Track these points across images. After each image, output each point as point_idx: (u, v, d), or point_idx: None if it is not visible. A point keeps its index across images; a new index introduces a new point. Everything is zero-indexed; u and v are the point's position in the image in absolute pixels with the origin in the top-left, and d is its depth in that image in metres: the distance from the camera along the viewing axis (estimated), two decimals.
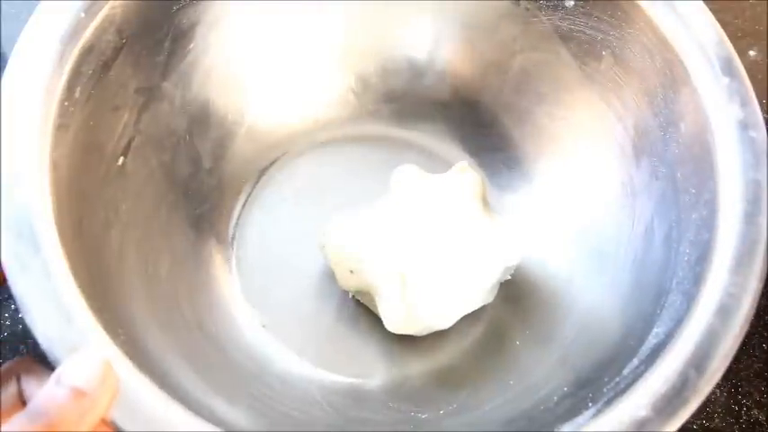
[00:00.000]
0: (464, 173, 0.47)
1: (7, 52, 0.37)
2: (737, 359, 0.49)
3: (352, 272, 0.46)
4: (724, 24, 0.43)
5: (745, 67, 0.41)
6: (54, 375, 0.29)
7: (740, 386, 0.50)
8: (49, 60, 0.37)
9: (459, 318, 0.46)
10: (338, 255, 0.46)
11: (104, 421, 0.30)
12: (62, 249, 0.34)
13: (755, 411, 0.49)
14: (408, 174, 0.47)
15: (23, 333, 0.47)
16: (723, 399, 0.50)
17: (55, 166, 0.36)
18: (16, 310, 0.47)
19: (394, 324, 0.45)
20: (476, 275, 0.45)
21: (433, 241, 0.45)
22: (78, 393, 0.28)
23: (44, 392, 0.29)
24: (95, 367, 0.29)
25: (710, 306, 0.36)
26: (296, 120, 0.54)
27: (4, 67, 0.36)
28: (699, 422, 0.49)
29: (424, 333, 0.46)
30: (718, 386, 0.49)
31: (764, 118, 0.40)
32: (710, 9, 0.43)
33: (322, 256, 0.48)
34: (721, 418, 0.49)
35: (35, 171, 0.35)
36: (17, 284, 0.32)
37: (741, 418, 0.49)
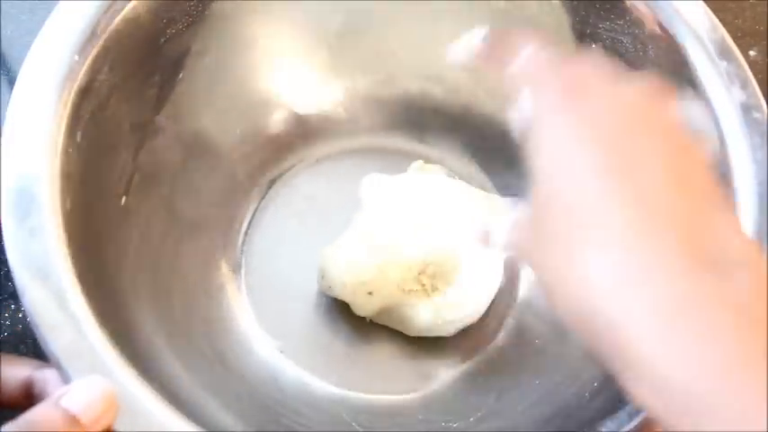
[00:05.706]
0: (423, 171, 0.47)
1: (7, 52, 0.36)
2: None
3: (371, 293, 0.45)
4: (724, 24, 0.43)
5: None
6: (57, 394, 0.29)
7: None
8: (49, 109, 0.36)
9: (486, 306, 0.46)
10: (353, 282, 0.45)
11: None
12: (86, 300, 0.33)
13: None
14: (377, 181, 0.47)
15: (23, 333, 0.46)
16: None
17: (66, 216, 0.35)
18: (16, 310, 0.46)
19: (425, 327, 0.46)
20: (487, 255, 0.46)
21: (440, 236, 0.45)
22: (72, 420, 0.28)
23: (41, 409, 0.28)
24: (97, 398, 0.29)
25: None
26: (291, 139, 0.53)
27: (5, 67, 0.36)
28: None
29: (454, 332, 0.47)
30: None
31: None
32: (710, 9, 0.43)
33: (330, 296, 0.47)
34: None
35: (50, 224, 0.34)
36: (48, 343, 0.31)
37: None
